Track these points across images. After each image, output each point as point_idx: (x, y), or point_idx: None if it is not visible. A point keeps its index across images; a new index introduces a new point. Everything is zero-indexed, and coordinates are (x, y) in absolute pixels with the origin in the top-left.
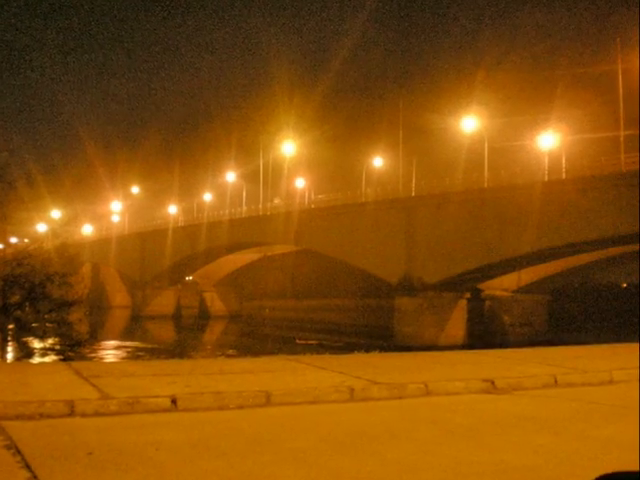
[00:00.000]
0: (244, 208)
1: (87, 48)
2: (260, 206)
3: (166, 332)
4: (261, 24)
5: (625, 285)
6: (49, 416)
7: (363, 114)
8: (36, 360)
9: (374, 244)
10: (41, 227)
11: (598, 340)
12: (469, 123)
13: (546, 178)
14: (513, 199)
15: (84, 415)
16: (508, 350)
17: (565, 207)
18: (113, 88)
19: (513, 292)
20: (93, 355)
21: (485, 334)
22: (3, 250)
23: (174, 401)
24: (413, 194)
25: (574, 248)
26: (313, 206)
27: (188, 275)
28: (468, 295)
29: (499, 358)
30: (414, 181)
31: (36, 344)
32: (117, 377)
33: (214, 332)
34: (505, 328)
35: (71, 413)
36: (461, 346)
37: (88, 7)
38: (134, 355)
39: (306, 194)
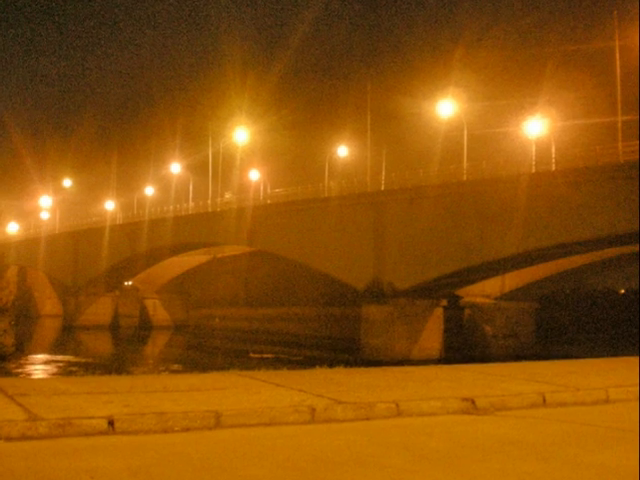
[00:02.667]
0: (191, 204)
1: (12, 22)
2: (209, 201)
3: (102, 344)
4: None
5: (623, 291)
6: None
7: (326, 97)
8: None
9: (338, 245)
10: None
11: (592, 354)
12: (446, 108)
13: (533, 170)
14: (496, 194)
15: (9, 439)
16: (490, 365)
17: (555, 203)
18: (42, 67)
19: (496, 299)
20: (20, 370)
21: (464, 347)
22: None
23: (111, 423)
24: (383, 188)
25: (565, 249)
26: (269, 201)
27: (127, 280)
28: (445, 302)
29: (480, 374)
30: (384, 173)
31: None
32: (47, 395)
33: (157, 344)
34: (487, 340)
35: None
36: (437, 360)
37: None
38: (66, 371)
39: (261, 188)
